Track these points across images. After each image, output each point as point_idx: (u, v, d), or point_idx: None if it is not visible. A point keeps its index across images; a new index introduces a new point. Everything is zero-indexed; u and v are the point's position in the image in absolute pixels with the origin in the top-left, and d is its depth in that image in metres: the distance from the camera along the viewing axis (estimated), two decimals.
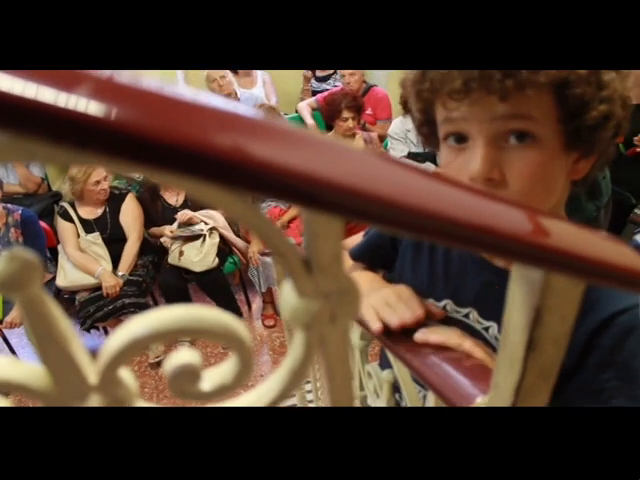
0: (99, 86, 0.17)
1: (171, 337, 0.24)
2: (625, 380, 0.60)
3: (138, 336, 0.23)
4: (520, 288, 0.30)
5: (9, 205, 2.70)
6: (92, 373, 0.25)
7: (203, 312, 0.24)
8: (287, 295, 0.24)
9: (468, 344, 0.60)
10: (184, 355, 0.26)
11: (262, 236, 0.22)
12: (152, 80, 0.19)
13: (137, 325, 0.24)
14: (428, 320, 0.67)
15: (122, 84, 0.18)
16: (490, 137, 0.56)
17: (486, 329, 0.70)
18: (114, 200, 2.78)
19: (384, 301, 0.68)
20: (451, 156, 0.60)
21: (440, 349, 0.61)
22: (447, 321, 0.71)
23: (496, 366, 0.35)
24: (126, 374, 0.26)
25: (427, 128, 0.66)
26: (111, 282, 2.62)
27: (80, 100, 0.17)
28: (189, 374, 0.26)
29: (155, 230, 2.92)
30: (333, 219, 0.22)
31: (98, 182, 2.64)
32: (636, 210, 2.37)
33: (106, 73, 0.18)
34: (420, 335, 0.63)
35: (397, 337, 0.65)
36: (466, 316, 0.72)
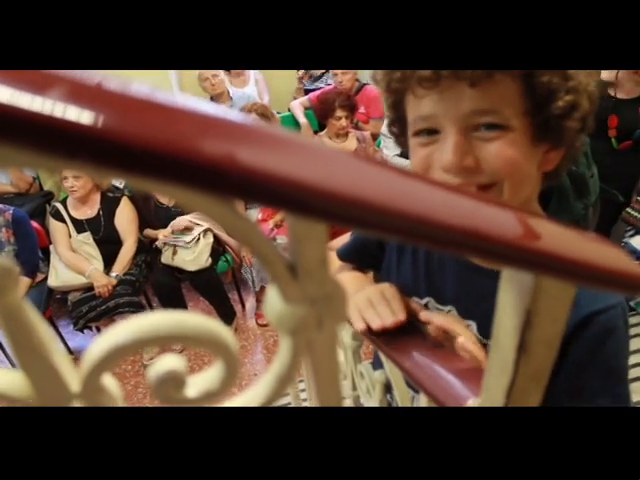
0: (87, 93, 0.17)
1: (155, 344, 0.24)
2: (607, 379, 0.60)
3: (121, 344, 0.23)
4: (510, 291, 0.30)
5: (0, 205, 2.68)
6: (74, 380, 0.25)
7: (188, 319, 0.24)
8: (272, 301, 0.24)
9: (462, 338, 0.61)
10: (169, 361, 0.25)
11: (246, 242, 0.22)
12: (141, 86, 0.18)
13: (120, 332, 0.23)
14: (412, 317, 0.67)
15: (110, 90, 0.17)
16: (461, 128, 0.56)
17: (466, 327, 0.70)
18: (108, 202, 2.77)
19: (368, 300, 0.69)
20: (422, 150, 0.60)
21: (430, 349, 0.61)
22: None
23: (487, 369, 0.35)
24: (109, 381, 0.26)
25: (397, 127, 0.66)
26: (102, 281, 2.60)
27: (67, 107, 0.16)
28: (174, 380, 0.25)
29: (150, 232, 2.91)
30: (318, 224, 0.22)
31: (66, 178, 2.61)
32: (629, 210, 2.37)
33: (95, 78, 0.18)
34: (424, 315, 0.64)
35: (388, 337, 0.65)
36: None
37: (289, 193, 0.19)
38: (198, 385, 0.26)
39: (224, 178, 0.18)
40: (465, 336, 0.61)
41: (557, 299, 0.29)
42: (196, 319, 0.24)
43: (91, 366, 0.24)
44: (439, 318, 0.63)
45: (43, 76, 0.17)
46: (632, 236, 2.39)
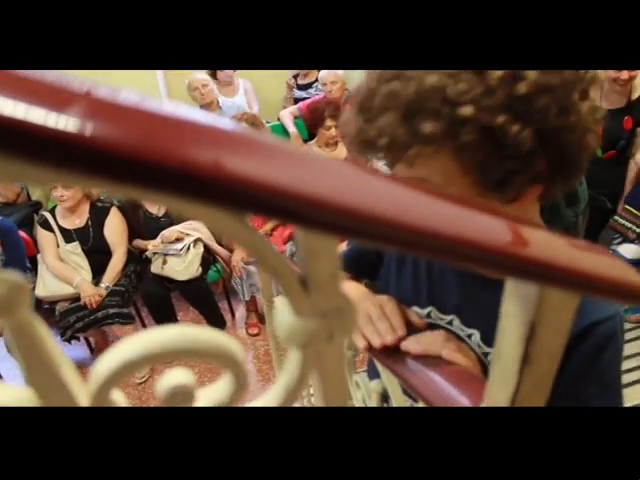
0: (75, 101, 0.17)
1: (164, 359, 0.24)
2: (603, 388, 0.61)
3: (130, 358, 0.23)
4: (514, 302, 0.30)
5: None
6: (83, 396, 0.25)
7: (196, 333, 0.23)
8: (283, 314, 0.24)
9: (447, 352, 0.60)
10: (178, 375, 0.25)
11: (257, 255, 0.22)
12: (130, 94, 0.18)
13: (129, 347, 0.23)
14: (411, 328, 0.67)
15: (99, 99, 0.17)
16: None
17: (469, 336, 0.70)
18: (97, 212, 2.75)
19: (367, 316, 0.69)
20: None
21: (426, 356, 0.61)
22: (432, 328, 0.71)
23: (491, 378, 0.35)
24: (118, 396, 0.26)
25: None
26: (89, 292, 2.57)
27: (55, 116, 0.16)
28: (183, 395, 0.25)
29: (139, 243, 2.89)
30: (329, 237, 0.22)
31: (55, 187, 2.59)
32: (616, 217, 2.40)
33: (84, 86, 0.17)
34: (403, 344, 0.63)
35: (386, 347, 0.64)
36: (449, 323, 0.73)
37: (277, 201, 0.19)
38: (207, 399, 0.26)
39: (219, 188, 0.18)
40: (446, 351, 0.60)
41: (561, 310, 0.29)
42: (204, 333, 0.24)
43: (100, 381, 0.24)
44: (415, 347, 0.62)
45: (34, 87, 0.17)
46: (619, 244, 2.42)
